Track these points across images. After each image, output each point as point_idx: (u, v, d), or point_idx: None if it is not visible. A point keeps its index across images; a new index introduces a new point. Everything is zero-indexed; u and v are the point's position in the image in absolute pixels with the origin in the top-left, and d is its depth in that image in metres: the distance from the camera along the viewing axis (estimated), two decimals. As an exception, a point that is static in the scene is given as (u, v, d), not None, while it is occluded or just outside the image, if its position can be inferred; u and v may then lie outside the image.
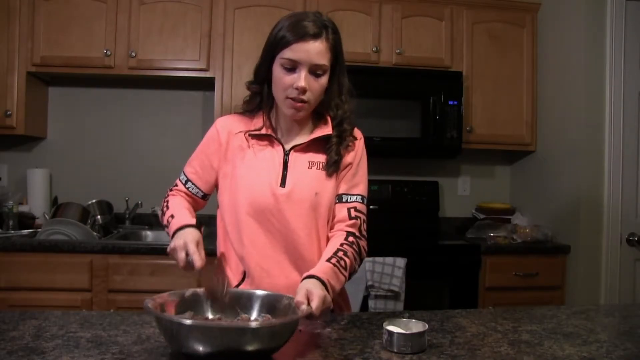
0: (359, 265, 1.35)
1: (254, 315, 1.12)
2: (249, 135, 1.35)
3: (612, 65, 2.60)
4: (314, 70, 1.26)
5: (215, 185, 1.42)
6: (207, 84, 2.94)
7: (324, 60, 1.26)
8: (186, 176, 1.43)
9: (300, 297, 1.08)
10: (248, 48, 2.81)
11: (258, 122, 1.36)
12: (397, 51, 2.92)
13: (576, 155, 2.71)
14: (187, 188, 1.42)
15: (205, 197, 1.43)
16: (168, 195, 1.43)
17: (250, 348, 0.91)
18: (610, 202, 2.61)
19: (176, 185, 1.45)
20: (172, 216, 1.33)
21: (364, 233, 1.38)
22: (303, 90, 1.25)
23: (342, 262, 1.26)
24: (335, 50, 1.29)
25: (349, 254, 1.29)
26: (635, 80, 2.63)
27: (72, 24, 2.72)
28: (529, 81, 3.06)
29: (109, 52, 2.72)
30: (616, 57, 2.60)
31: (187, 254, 1.20)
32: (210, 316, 1.12)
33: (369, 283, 2.48)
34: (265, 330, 0.94)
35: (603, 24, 2.62)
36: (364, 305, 2.48)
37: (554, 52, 2.94)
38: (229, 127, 1.39)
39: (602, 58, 2.62)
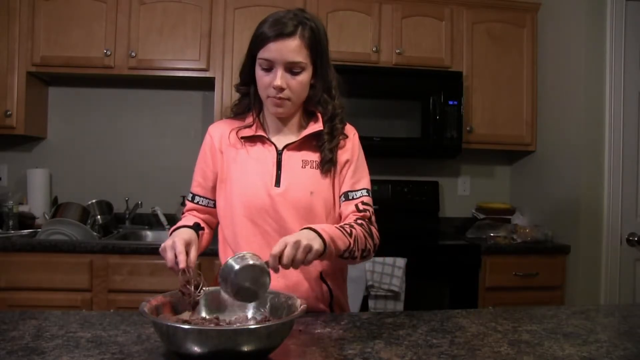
0: (373, 249, 1.32)
1: (251, 312, 1.12)
2: (241, 137, 1.36)
3: (612, 65, 2.60)
4: (291, 68, 1.26)
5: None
6: (207, 84, 2.94)
7: (299, 57, 1.26)
8: (192, 193, 1.42)
9: (276, 246, 1.09)
10: (248, 48, 2.80)
11: (248, 123, 1.37)
12: (397, 51, 2.92)
13: (576, 155, 2.71)
14: (197, 203, 1.40)
15: (215, 207, 1.41)
16: (182, 217, 1.42)
17: (247, 348, 0.91)
18: (610, 202, 2.61)
19: (185, 205, 1.44)
20: (177, 227, 1.32)
21: (375, 224, 1.37)
22: (280, 89, 1.26)
23: (347, 229, 1.23)
24: (313, 46, 1.28)
25: (357, 228, 1.27)
26: (635, 80, 2.63)
27: (72, 24, 2.72)
28: (529, 81, 3.06)
29: (109, 52, 2.72)
30: (616, 57, 2.60)
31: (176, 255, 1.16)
32: (206, 316, 1.11)
33: (369, 283, 2.48)
34: (261, 331, 0.94)
35: (603, 24, 2.61)
36: (364, 305, 2.48)
37: (554, 52, 2.94)
38: (220, 131, 1.39)
39: (602, 58, 2.62)
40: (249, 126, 1.36)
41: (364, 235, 1.28)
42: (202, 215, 1.41)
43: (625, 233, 2.62)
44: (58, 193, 2.97)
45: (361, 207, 1.35)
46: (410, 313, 1.35)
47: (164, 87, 3.08)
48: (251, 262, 1.05)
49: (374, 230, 1.35)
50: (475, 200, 3.33)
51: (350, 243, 1.23)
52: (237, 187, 1.32)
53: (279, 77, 1.25)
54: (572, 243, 2.72)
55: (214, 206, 1.40)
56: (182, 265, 1.12)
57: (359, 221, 1.31)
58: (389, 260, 2.49)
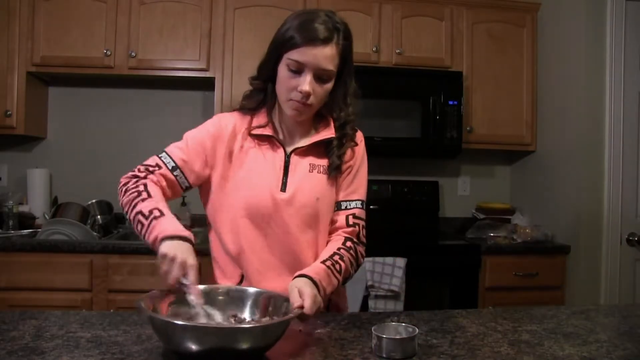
0: (355, 271, 1.34)
1: (247, 311, 1.11)
2: (250, 135, 1.32)
3: (612, 65, 2.60)
4: (320, 75, 1.21)
5: (203, 181, 1.32)
6: (207, 84, 2.94)
7: (331, 65, 1.22)
8: (175, 162, 1.28)
9: (293, 297, 1.08)
10: (248, 48, 2.81)
11: (259, 121, 1.33)
12: (397, 51, 2.92)
13: (576, 155, 2.71)
14: (175, 176, 1.28)
15: (187, 189, 1.32)
16: (146, 177, 1.25)
17: (243, 346, 0.91)
18: (610, 202, 2.61)
19: (158, 167, 1.27)
20: (160, 212, 1.15)
21: (363, 239, 1.36)
22: (307, 95, 1.21)
23: (337, 266, 1.24)
24: (345, 55, 1.25)
25: (345, 258, 1.28)
26: (635, 80, 2.63)
27: (72, 24, 2.72)
28: (529, 81, 3.06)
29: (109, 52, 2.72)
30: (616, 57, 2.60)
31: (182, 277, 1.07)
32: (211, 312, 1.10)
33: (369, 283, 2.48)
34: (257, 330, 0.95)
35: (603, 24, 2.61)
36: (364, 305, 2.48)
37: (554, 52, 2.94)
38: (232, 125, 1.33)
39: (602, 58, 2.62)
40: (262, 126, 1.31)
41: (350, 264, 1.29)
42: (166, 189, 1.27)
43: (625, 233, 2.62)
44: (58, 193, 2.97)
45: (351, 220, 1.33)
46: (410, 313, 1.35)
47: (164, 87, 3.08)
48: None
49: (359, 250, 1.34)
50: (475, 200, 3.33)
51: (338, 282, 1.25)
52: (242, 189, 1.28)
53: (308, 83, 1.20)
54: (572, 243, 2.72)
55: (185, 189, 1.30)
56: (198, 302, 1.06)
57: (348, 244, 1.31)
58: (389, 260, 2.49)
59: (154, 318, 0.94)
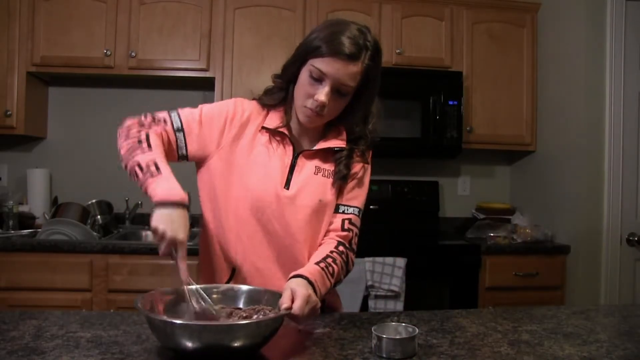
0: (344, 277, 1.33)
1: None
2: (263, 128, 1.32)
3: (612, 65, 2.60)
4: (339, 89, 1.21)
5: (203, 158, 1.31)
6: (207, 84, 2.94)
7: (352, 82, 1.21)
8: (181, 124, 1.27)
9: (284, 297, 1.07)
10: (248, 48, 2.81)
11: (275, 117, 1.33)
12: (397, 51, 2.92)
13: (576, 155, 2.71)
14: (177, 138, 1.27)
15: (181, 158, 1.29)
16: (150, 127, 1.24)
17: (232, 344, 0.92)
18: (610, 202, 2.61)
19: (164, 122, 1.27)
20: (156, 167, 1.14)
21: (354, 247, 1.36)
22: (322, 105, 1.21)
23: (330, 269, 1.24)
24: (369, 74, 1.23)
25: (338, 262, 1.27)
26: (635, 80, 2.63)
27: (72, 24, 2.72)
28: (529, 81, 3.06)
29: (109, 52, 2.72)
30: (616, 57, 2.60)
31: (173, 249, 1.07)
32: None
33: (369, 283, 2.48)
34: (248, 327, 0.95)
35: (603, 24, 2.61)
36: (364, 305, 2.48)
37: (554, 52, 2.94)
38: (249, 112, 1.33)
39: (602, 58, 2.62)
40: (278, 123, 1.31)
41: (340, 269, 1.29)
42: (164, 141, 1.26)
43: (625, 233, 2.62)
44: (58, 193, 2.97)
45: (346, 225, 1.33)
46: (410, 313, 1.36)
47: (164, 87, 3.08)
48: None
49: (350, 257, 1.34)
50: (475, 200, 3.33)
51: (330, 284, 1.24)
52: (246, 181, 1.28)
53: (325, 94, 1.20)
54: (572, 243, 2.72)
55: (179, 157, 1.29)
56: (183, 278, 1.08)
57: (340, 248, 1.31)
58: (389, 260, 2.49)
59: (149, 317, 0.95)
